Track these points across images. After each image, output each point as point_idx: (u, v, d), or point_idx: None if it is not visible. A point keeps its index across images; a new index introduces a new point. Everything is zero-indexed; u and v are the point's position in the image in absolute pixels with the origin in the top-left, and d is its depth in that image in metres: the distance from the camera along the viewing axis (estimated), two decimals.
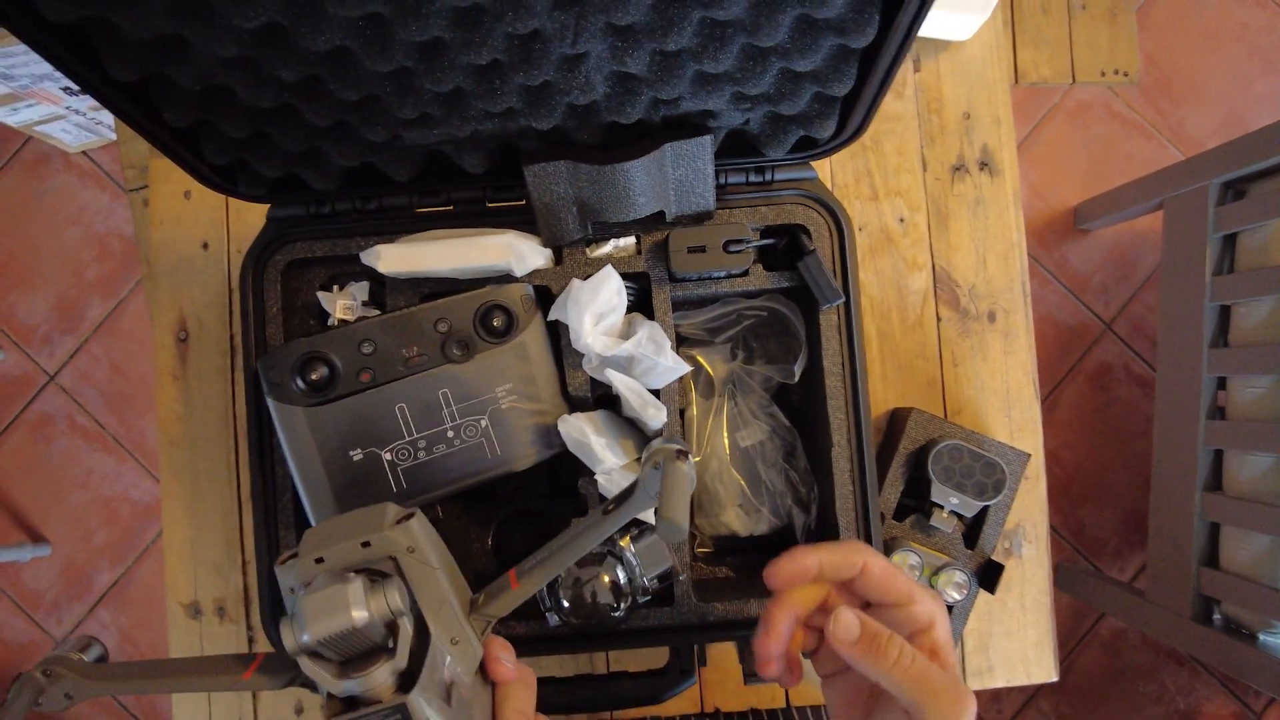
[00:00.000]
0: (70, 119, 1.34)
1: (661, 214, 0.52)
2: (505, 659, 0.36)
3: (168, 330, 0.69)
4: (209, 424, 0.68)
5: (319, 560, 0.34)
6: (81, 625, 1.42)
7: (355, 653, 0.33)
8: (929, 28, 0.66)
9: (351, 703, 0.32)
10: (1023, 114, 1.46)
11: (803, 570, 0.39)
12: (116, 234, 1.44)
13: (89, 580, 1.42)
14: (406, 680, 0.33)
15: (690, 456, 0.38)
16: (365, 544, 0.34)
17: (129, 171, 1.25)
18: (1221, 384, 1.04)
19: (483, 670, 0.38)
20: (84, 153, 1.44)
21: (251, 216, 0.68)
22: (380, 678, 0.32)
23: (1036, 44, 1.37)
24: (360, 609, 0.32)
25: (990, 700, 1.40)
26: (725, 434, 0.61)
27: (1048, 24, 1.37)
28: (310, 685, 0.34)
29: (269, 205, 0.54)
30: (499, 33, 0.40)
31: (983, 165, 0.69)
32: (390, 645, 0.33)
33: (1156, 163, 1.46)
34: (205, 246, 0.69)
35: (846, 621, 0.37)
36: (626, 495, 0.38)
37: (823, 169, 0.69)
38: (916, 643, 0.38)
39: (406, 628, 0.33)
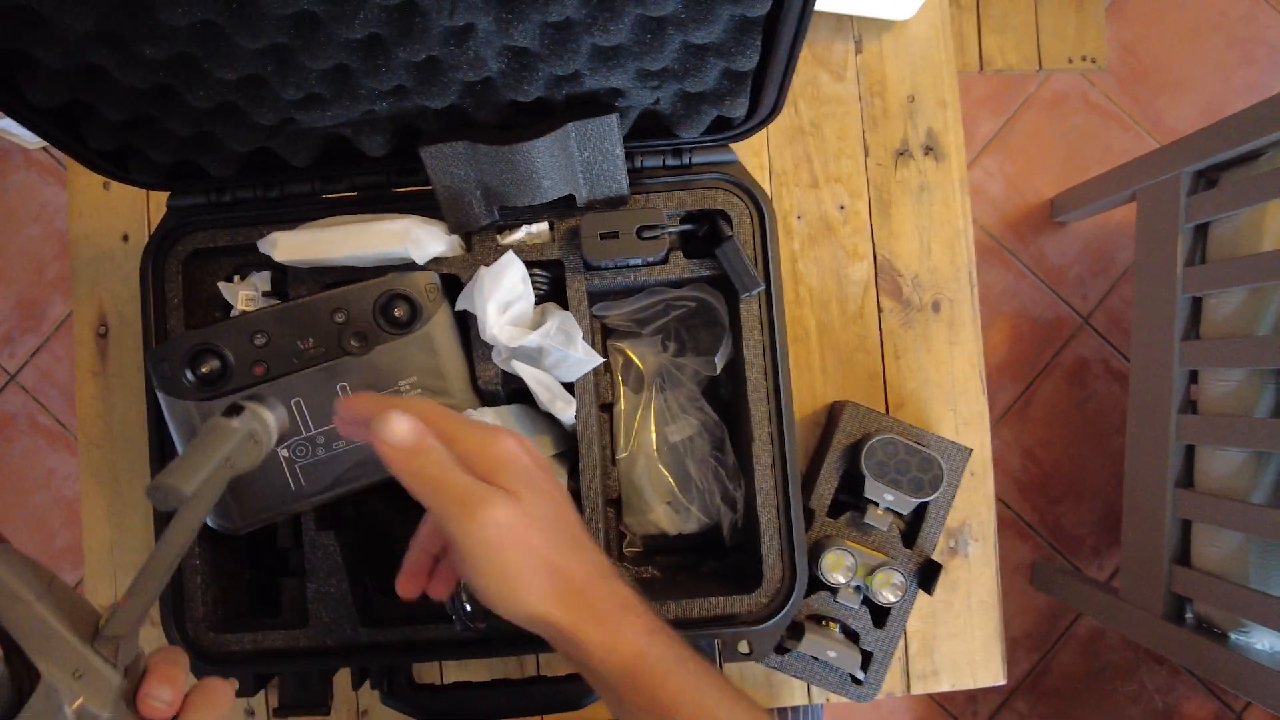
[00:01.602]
0: None
1: (572, 198, 0.50)
2: (159, 695, 0.30)
3: (88, 326, 0.67)
4: (129, 422, 0.66)
5: None
6: None
7: None
8: (867, 6, 0.63)
9: None
10: (997, 105, 1.43)
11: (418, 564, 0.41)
12: None
13: None
14: None
15: (245, 410, 0.35)
16: None
17: None
18: (1194, 378, 1.02)
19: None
20: (44, 149, 1.42)
21: None
22: None
23: (1002, 30, 1.34)
24: None
25: (967, 701, 1.38)
26: (654, 429, 0.59)
27: (1013, 9, 1.34)
28: None
29: (169, 194, 0.52)
30: (371, 4, 0.38)
31: (927, 150, 0.67)
32: None
33: (1134, 154, 1.42)
34: (125, 239, 0.67)
35: (394, 426, 0.34)
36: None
37: (760, 155, 0.66)
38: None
39: None
